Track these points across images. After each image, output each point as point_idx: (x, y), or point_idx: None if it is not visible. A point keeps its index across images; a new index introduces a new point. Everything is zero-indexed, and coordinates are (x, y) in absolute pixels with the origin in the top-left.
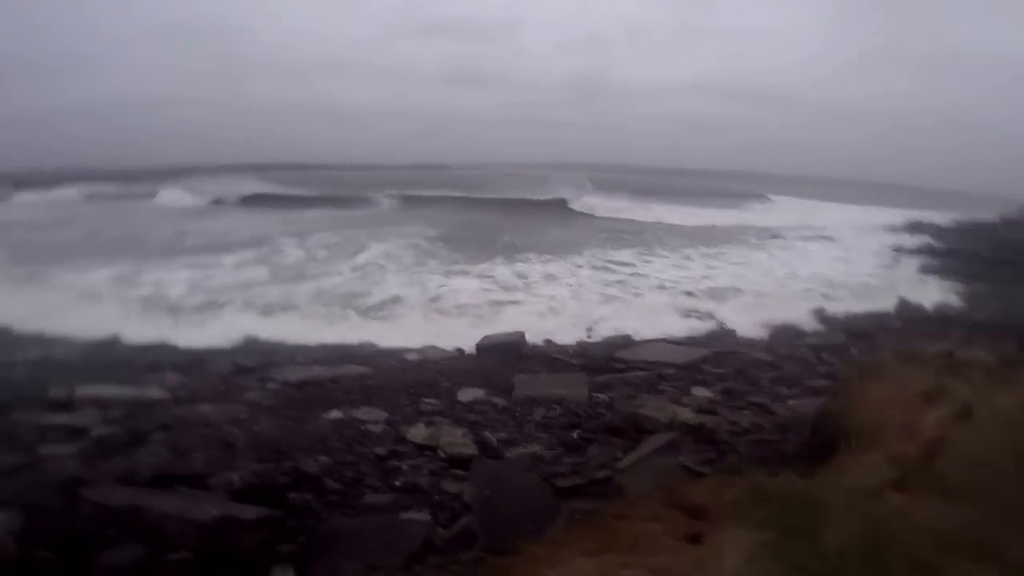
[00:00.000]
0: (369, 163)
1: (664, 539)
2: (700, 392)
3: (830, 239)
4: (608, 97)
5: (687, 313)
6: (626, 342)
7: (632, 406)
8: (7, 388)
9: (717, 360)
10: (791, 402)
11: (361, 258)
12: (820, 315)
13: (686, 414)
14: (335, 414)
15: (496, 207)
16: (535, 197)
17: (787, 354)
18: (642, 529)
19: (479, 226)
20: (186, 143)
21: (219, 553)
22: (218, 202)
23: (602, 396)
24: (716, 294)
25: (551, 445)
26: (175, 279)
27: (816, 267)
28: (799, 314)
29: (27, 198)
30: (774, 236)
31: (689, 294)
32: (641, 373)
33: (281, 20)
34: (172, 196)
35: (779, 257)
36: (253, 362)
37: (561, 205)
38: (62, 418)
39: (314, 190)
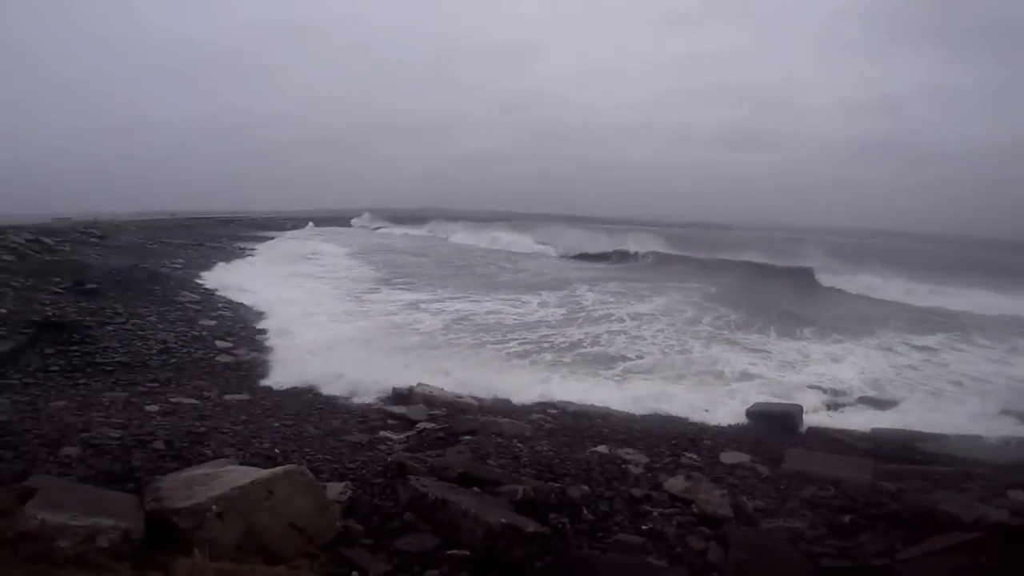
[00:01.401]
0: (648, 219)
1: None
2: (1020, 495)
3: None
4: (911, 160)
5: (1007, 411)
6: (929, 435)
7: (927, 500)
8: None
9: None
10: None
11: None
12: None
13: (1000, 515)
14: (602, 448)
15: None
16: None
17: None
18: None
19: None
20: (516, 194)
21: (493, 557)
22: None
23: (889, 486)
24: None
25: (815, 525)
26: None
27: None
28: None
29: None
30: None
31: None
32: (943, 468)
33: (577, 89)
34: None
35: None
36: None
37: (806, 275)
38: (400, 408)
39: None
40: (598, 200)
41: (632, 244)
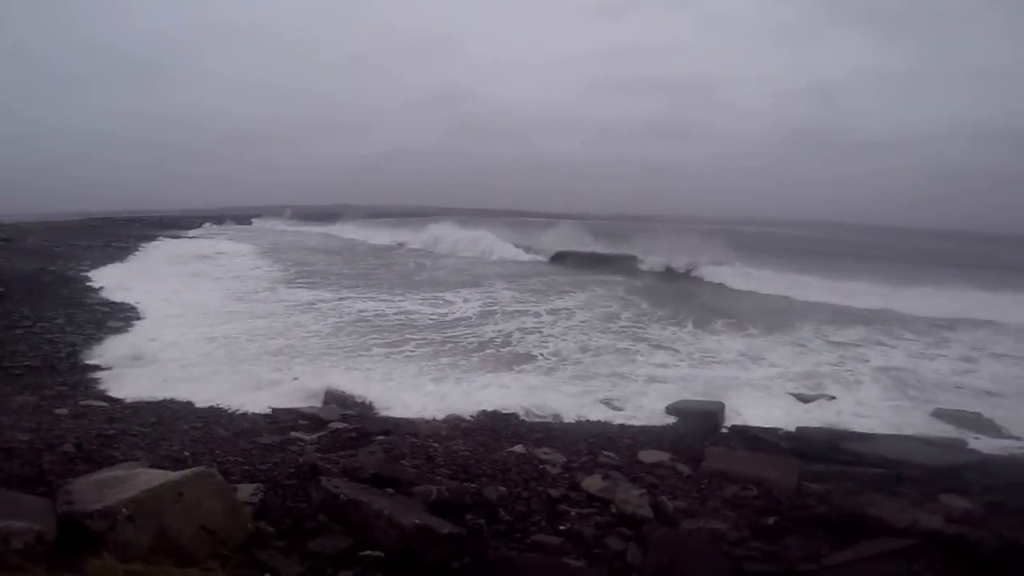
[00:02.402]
0: (576, 213)
1: None
2: (954, 501)
3: None
4: (844, 149)
5: (940, 412)
6: (857, 435)
7: (856, 503)
8: None
9: (985, 468)
10: None
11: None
12: None
13: (934, 522)
14: (519, 448)
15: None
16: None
17: None
18: None
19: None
20: (439, 190)
21: (407, 558)
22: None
23: (815, 487)
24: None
25: (737, 526)
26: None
27: None
28: None
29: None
30: None
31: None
32: (873, 470)
33: (500, 84)
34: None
35: None
36: None
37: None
38: (312, 409)
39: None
40: (524, 194)
41: (548, 242)
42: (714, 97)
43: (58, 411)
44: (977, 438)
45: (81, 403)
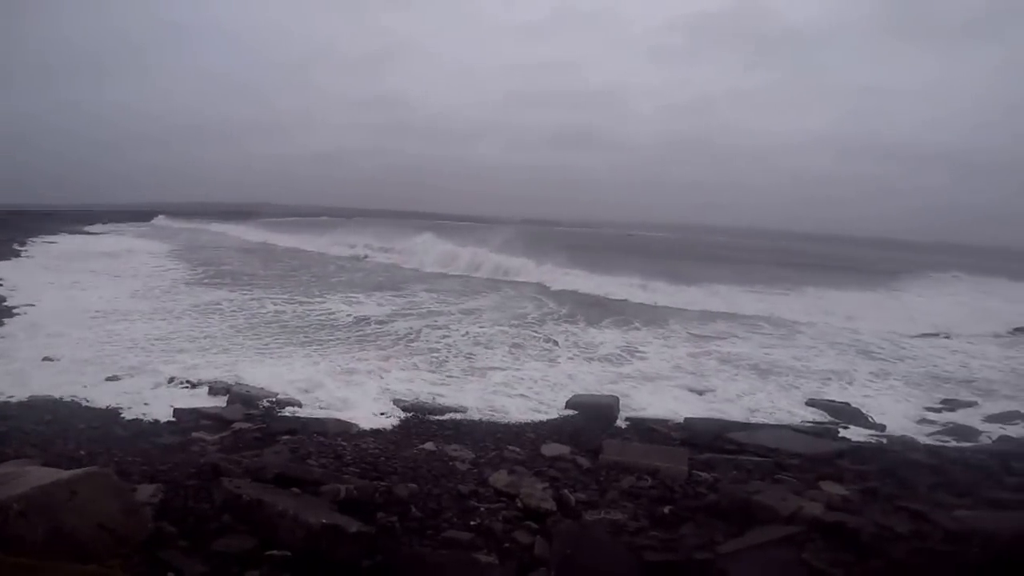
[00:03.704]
0: (490, 216)
1: None
2: (832, 488)
3: None
4: (716, 157)
5: (813, 401)
6: (740, 424)
7: (743, 491)
8: None
9: (857, 455)
10: (959, 513)
11: None
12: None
13: (815, 509)
14: (429, 445)
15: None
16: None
17: (954, 457)
18: None
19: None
20: (365, 188)
21: (316, 557)
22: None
23: (704, 475)
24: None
25: (636, 516)
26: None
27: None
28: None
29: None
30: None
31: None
32: (756, 458)
33: (433, 94)
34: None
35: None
36: None
37: None
38: (214, 408)
39: None
40: (445, 196)
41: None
42: (612, 111)
43: None
44: (846, 427)
45: None
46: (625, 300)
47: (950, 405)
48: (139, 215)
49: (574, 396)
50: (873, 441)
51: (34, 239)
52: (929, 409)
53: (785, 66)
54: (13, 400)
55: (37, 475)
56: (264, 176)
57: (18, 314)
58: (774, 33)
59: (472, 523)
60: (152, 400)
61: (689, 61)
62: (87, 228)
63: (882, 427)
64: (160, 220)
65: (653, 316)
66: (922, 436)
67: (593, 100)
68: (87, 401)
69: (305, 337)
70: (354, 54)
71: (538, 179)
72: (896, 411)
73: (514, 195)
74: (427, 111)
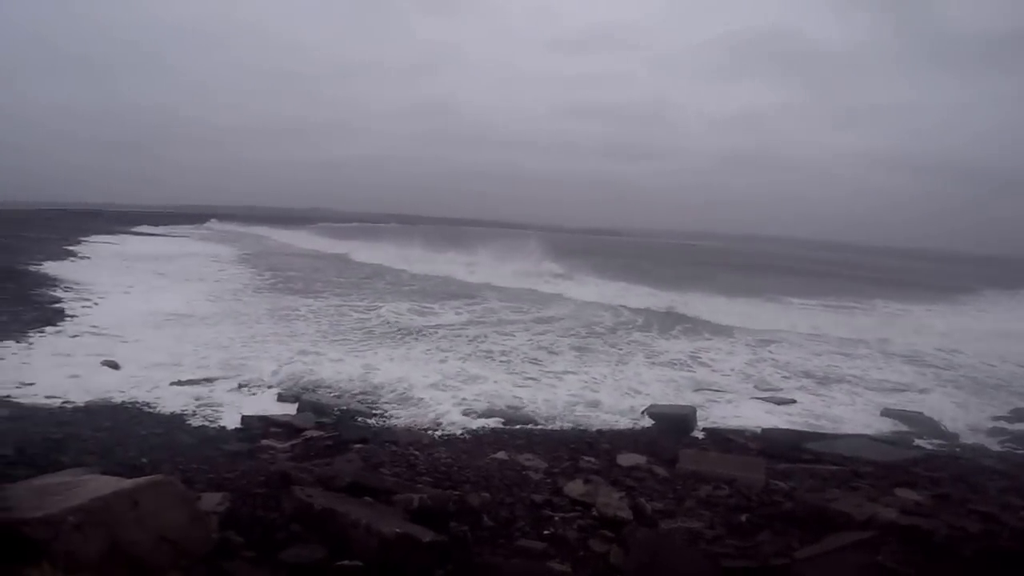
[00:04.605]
0: (546, 224)
1: None
2: (906, 494)
3: None
4: (765, 168)
5: (888, 411)
6: (817, 435)
7: (819, 499)
8: None
9: (930, 462)
10: None
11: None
12: None
13: (890, 514)
14: (501, 455)
15: None
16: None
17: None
18: None
19: None
20: (415, 194)
21: (388, 568)
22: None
23: (781, 484)
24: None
25: (713, 524)
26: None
27: None
28: None
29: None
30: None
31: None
32: (832, 467)
33: (475, 99)
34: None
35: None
36: None
37: None
38: (285, 416)
39: None
40: (498, 203)
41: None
42: (659, 123)
43: None
44: (920, 436)
45: (24, 403)
46: (696, 316)
47: (1021, 415)
48: (191, 217)
49: (652, 406)
50: (946, 449)
51: (85, 239)
52: (1000, 419)
53: (819, 84)
54: (70, 406)
55: (95, 485)
56: (312, 180)
57: (78, 316)
58: (808, 53)
59: (545, 532)
60: (221, 406)
61: (730, 77)
62: (135, 229)
63: (955, 435)
64: (214, 224)
65: (726, 327)
66: (994, 444)
67: (638, 113)
68: (150, 407)
69: (388, 342)
70: (398, 63)
71: (591, 188)
72: (968, 420)
73: (568, 203)
74: (473, 118)
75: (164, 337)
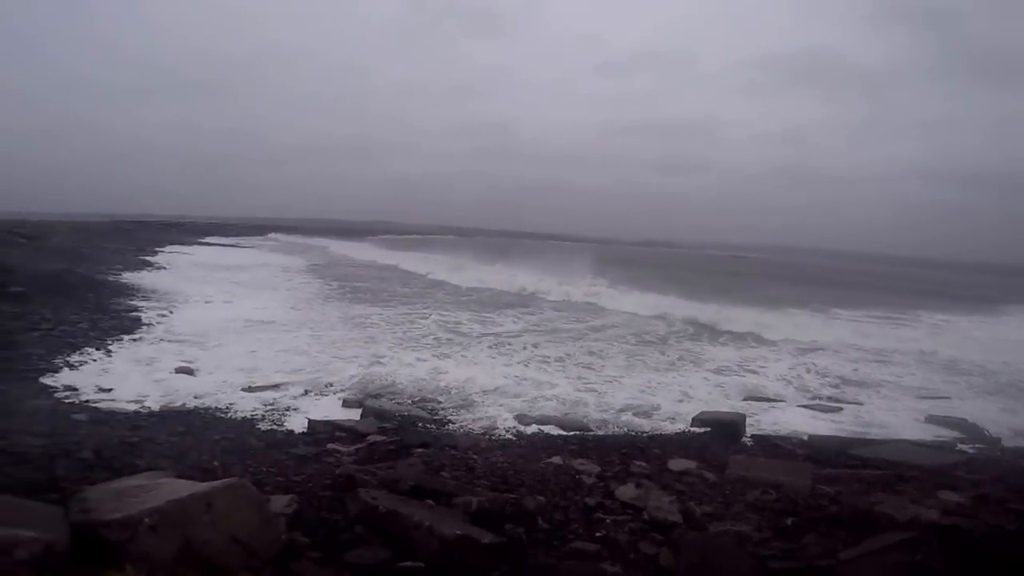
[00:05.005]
0: (600, 237)
1: None
2: (948, 496)
3: None
4: (809, 183)
5: (932, 417)
6: (863, 440)
7: (864, 502)
8: None
9: (972, 465)
10: None
11: None
12: None
13: (932, 515)
14: (556, 459)
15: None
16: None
17: None
18: None
19: None
20: (468, 208)
21: (448, 569)
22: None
23: (827, 489)
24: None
25: (760, 527)
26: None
27: None
28: None
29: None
30: None
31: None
32: (877, 471)
33: (526, 118)
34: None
35: None
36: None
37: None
38: (349, 421)
39: None
40: (553, 217)
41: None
42: (705, 140)
43: (76, 416)
44: (964, 440)
45: (102, 408)
46: (744, 327)
47: None
48: (254, 229)
49: (702, 413)
50: (988, 453)
51: (161, 249)
52: None
53: (859, 100)
54: (146, 411)
55: (171, 487)
56: (371, 196)
57: (155, 324)
58: (848, 69)
59: (598, 535)
60: (288, 411)
61: (772, 95)
62: (205, 240)
63: (997, 440)
64: (275, 236)
65: (773, 338)
66: None
67: (685, 130)
68: (222, 411)
69: (455, 348)
70: (448, 84)
71: (641, 201)
72: (1011, 425)
73: (620, 216)
74: (526, 136)
75: (244, 343)
